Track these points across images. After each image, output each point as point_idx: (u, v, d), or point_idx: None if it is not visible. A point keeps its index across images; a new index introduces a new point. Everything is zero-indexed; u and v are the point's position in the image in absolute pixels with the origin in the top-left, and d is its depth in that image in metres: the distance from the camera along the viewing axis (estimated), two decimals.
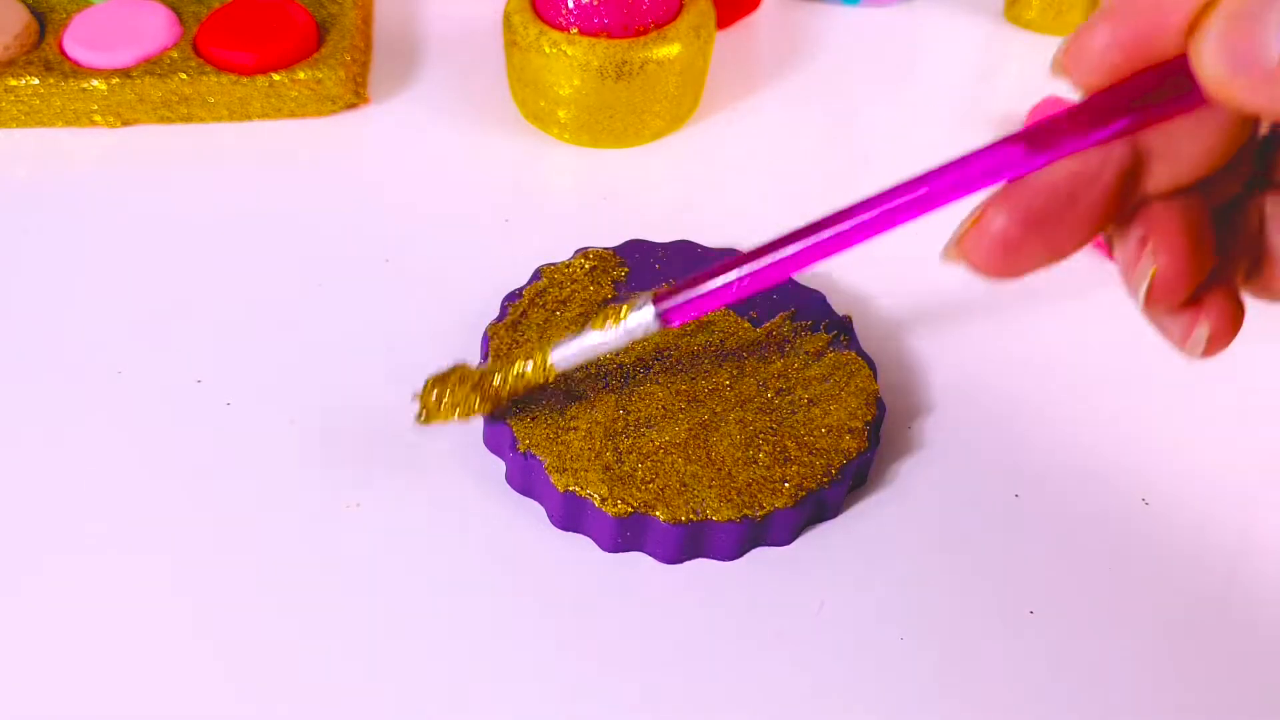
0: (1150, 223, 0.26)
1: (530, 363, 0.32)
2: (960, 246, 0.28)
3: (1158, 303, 0.27)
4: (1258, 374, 0.39)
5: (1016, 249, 0.27)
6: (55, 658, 0.30)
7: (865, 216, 0.29)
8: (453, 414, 0.33)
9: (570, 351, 0.32)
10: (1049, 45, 0.54)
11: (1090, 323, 0.40)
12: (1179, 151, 0.25)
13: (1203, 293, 0.27)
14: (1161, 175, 0.25)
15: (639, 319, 0.31)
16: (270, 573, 0.32)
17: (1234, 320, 0.28)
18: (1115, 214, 0.26)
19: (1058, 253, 0.27)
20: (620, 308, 0.31)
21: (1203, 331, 0.28)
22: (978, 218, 0.27)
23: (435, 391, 0.33)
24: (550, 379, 0.33)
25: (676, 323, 0.31)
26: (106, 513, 0.33)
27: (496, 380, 0.33)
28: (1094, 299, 0.41)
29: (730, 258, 0.29)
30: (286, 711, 0.29)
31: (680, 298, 0.30)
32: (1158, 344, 0.39)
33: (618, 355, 0.35)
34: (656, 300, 0.30)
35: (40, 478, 0.34)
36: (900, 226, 0.29)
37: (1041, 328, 0.40)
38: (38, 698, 0.29)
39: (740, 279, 0.29)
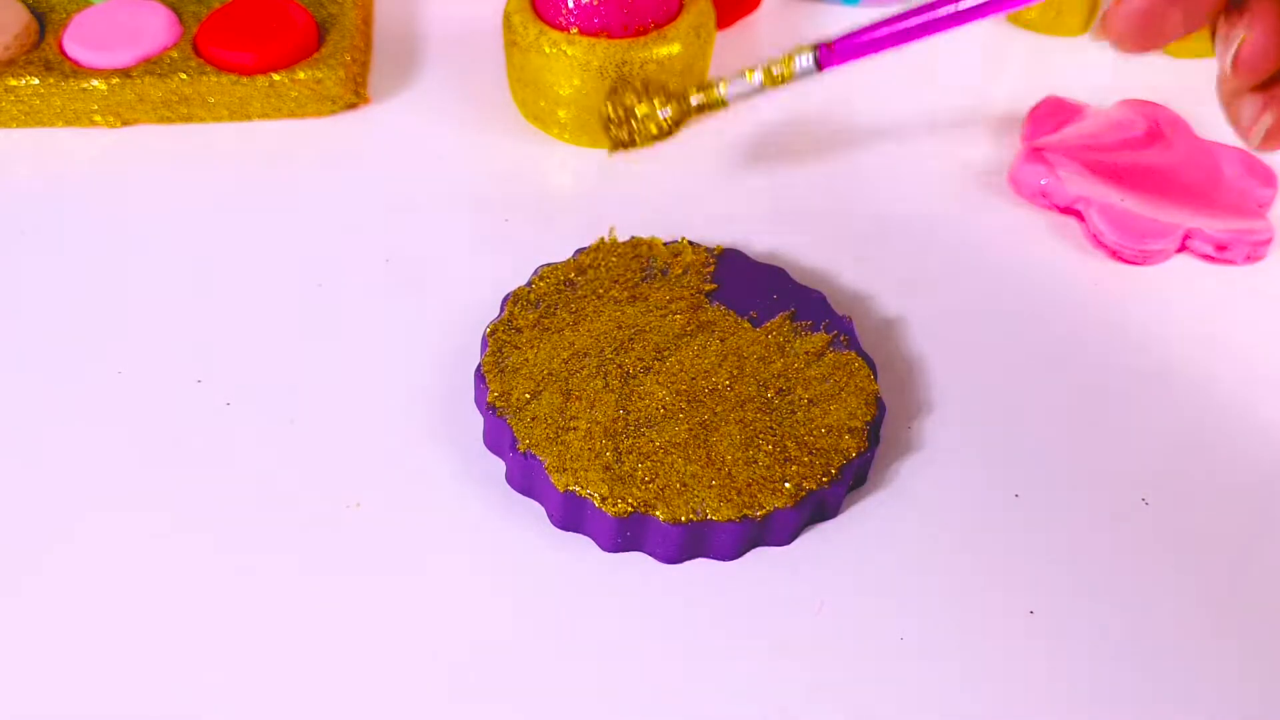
0: (1252, 2, 0.30)
1: (714, 91, 0.39)
2: (1106, 24, 0.31)
3: (1242, 71, 0.30)
4: (1258, 373, 0.39)
5: (1158, 20, 0.30)
6: (55, 657, 0.30)
7: None
8: (648, 122, 0.38)
9: (740, 88, 0.39)
10: (1049, 45, 0.54)
11: (1091, 323, 0.40)
12: None
13: (1277, 85, 0.31)
14: None
15: (801, 65, 0.38)
16: (270, 573, 0.32)
17: None
18: None
19: (1190, 23, 0.31)
20: (787, 57, 0.38)
21: (1268, 119, 0.31)
22: None
23: (623, 100, 0.38)
24: (721, 107, 0.39)
25: (829, 66, 0.37)
26: (106, 512, 0.33)
27: (691, 97, 0.38)
28: (1094, 299, 0.41)
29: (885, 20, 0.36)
30: (286, 711, 0.29)
31: (843, 44, 0.37)
32: (1158, 344, 0.40)
33: (617, 355, 0.35)
34: (819, 49, 0.37)
35: (40, 477, 0.34)
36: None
37: (1042, 328, 0.40)
38: (36, 697, 0.29)
39: (888, 35, 0.36)
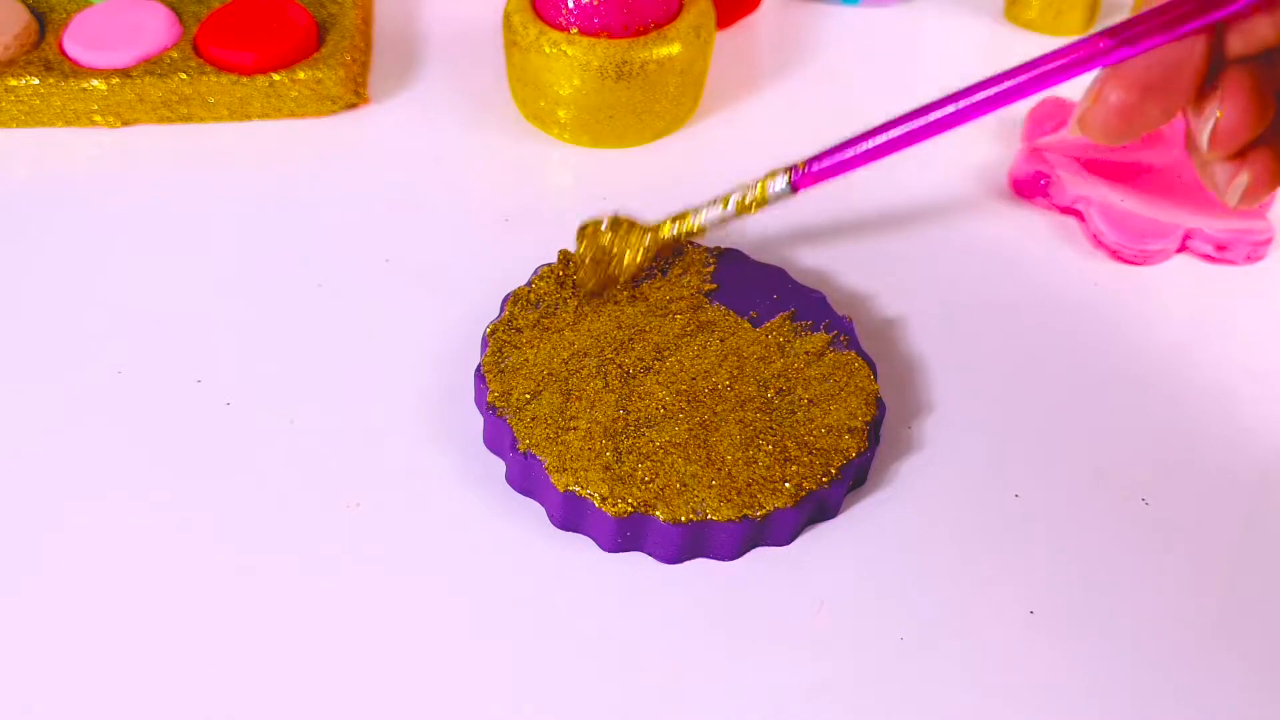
0: (1224, 80, 0.31)
1: (687, 220, 0.37)
2: (1083, 122, 0.33)
3: (1219, 146, 0.32)
4: (1259, 373, 0.39)
5: (1131, 115, 0.32)
6: (54, 656, 0.30)
7: (981, 96, 0.35)
8: (624, 253, 0.37)
9: (713, 216, 0.38)
10: (1049, 46, 0.54)
11: (1090, 323, 0.40)
12: (1253, 27, 0.31)
13: (1250, 150, 0.32)
14: (1236, 45, 0.31)
15: (775, 189, 0.37)
16: (270, 572, 0.32)
17: (1273, 175, 0.33)
18: (1206, 76, 0.32)
19: (1168, 113, 0.32)
20: (759, 183, 0.37)
21: (1243, 180, 0.33)
22: (1096, 94, 0.33)
23: (596, 235, 0.37)
24: (697, 235, 0.38)
25: (803, 187, 0.37)
26: (106, 512, 0.33)
27: (665, 229, 0.37)
28: (1094, 300, 0.41)
29: (856, 136, 0.36)
30: (286, 710, 0.29)
31: (817, 166, 0.37)
32: (1158, 344, 0.40)
33: (617, 355, 0.35)
34: (792, 172, 0.37)
35: (40, 477, 0.34)
36: (1006, 107, 0.35)
37: (1042, 327, 0.40)
38: (36, 696, 0.29)
39: (860, 154, 0.36)
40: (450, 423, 0.36)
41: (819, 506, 0.33)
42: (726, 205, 0.37)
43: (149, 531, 0.33)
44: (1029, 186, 0.44)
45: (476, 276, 0.40)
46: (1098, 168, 0.44)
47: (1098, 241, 0.43)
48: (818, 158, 0.37)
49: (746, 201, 0.37)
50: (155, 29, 0.47)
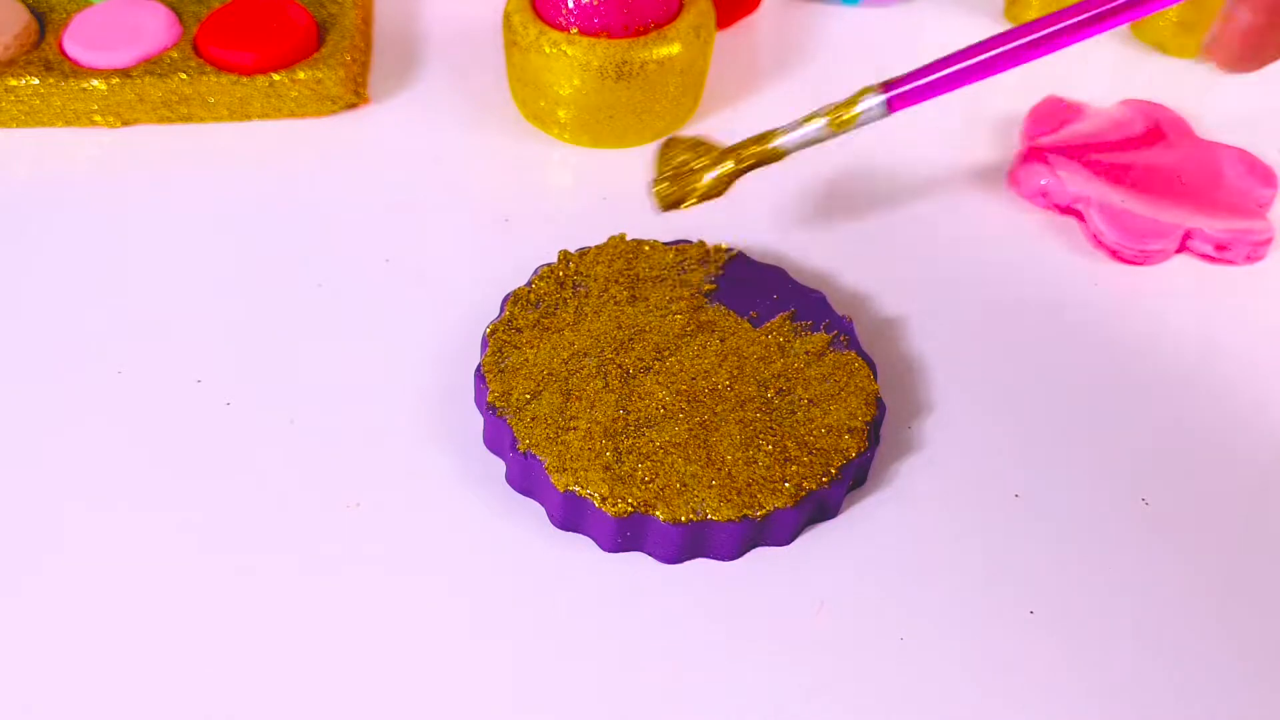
0: None
1: (770, 140, 0.37)
2: (1212, 49, 0.33)
3: None
4: (1259, 373, 0.39)
5: (1260, 39, 0.32)
6: (55, 656, 0.30)
7: (1075, 19, 0.35)
8: (705, 170, 0.37)
9: (796, 137, 0.37)
10: None
11: (1090, 323, 0.40)
12: None
13: None
14: None
15: (868, 107, 0.36)
16: (270, 573, 0.32)
17: None
18: None
19: None
20: (851, 101, 0.36)
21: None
22: (1226, 18, 0.32)
23: (679, 150, 0.37)
24: (777, 158, 0.37)
25: (899, 108, 0.36)
26: (106, 512, 0.33)
27: (746, 151, 0.37)
28: (1094, 299, 0.41)
29: (951, 55, 0.36)
30: (286, 710, 0.29)
31: (908, 85, 0.36)
32: (1158, 344, 0.40)
33: (617, 355, 0.35)
34: (886, 88, 0.36)
35: (40, 477, 0.34)
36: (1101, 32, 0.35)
37: (1041, 328, 0.40)
38: (36, 696, 0.29)
39: (957, 72, 0.36)
40: (450, 423, 0.36)
41: (819, 506, 0.33)
42: (812, 123, 0.37)
43: (149, 531, 0.33)
44: (1029, 187, 0.44)
45: (476, 276, 0.40)
46: (1098, 168, 0.44)
47: (1097, 241, 0.43)
48: (912, 75, 0.36)
49: (839, 121, 0.37)
50: (155, 29, 0.47)
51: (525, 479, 0.33)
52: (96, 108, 0.45)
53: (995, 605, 0.32)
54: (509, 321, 0.36)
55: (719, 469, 0.32)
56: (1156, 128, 0.46)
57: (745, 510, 0.32)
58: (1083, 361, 0.39)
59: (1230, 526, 0.34)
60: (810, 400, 0.34)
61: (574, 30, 0.43)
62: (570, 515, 0.33)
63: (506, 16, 0.45)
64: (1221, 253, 0.42)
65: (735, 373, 0.35)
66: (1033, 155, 0.45)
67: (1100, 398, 0.38)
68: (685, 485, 0.32)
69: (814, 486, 0.32)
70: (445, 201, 0.44)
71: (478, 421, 0.35)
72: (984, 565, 0.33)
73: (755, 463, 0.33)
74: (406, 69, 0.50)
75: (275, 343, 0.38)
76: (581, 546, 0.33)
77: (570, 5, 0.43)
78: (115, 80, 0.45)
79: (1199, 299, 0.41)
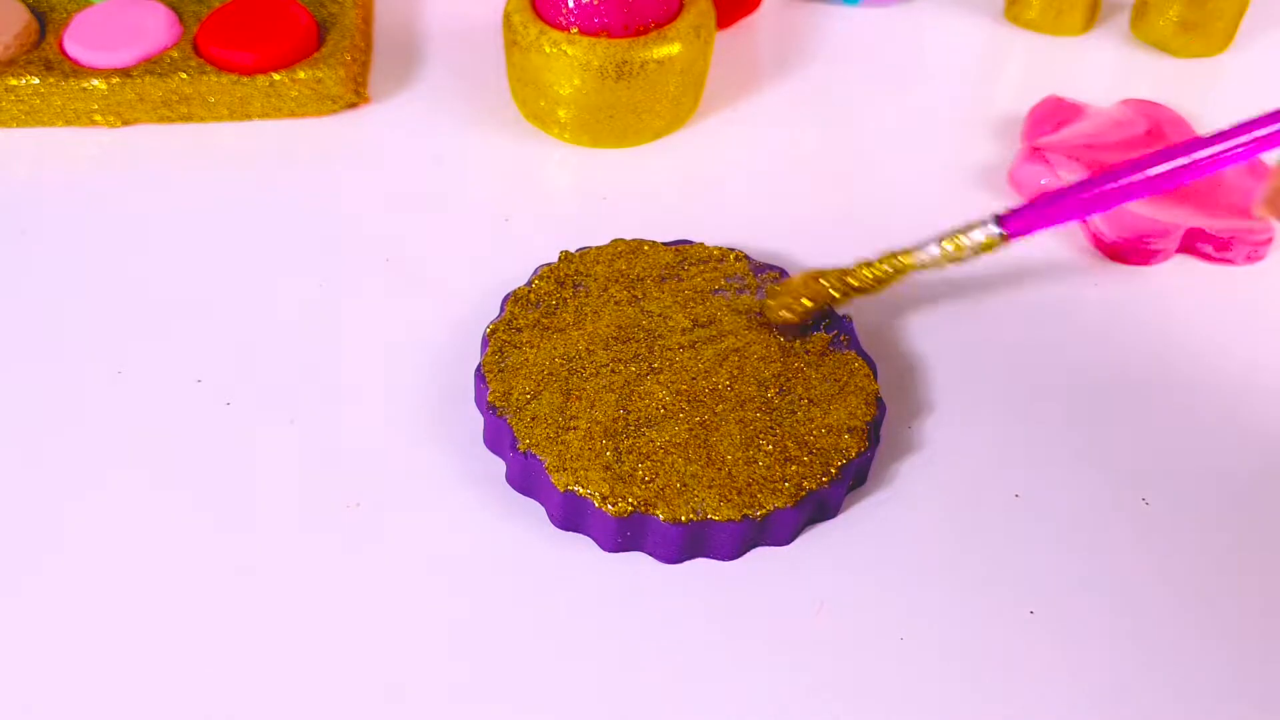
0: None
1: (886, 266, 0.37)
2: (1268, 202, 0.33)
3: None
4: (1259, 373, 0.39)
5: None
6: (55, 656, 0.30)
7: (1223, 147, 0.34)
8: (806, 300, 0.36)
9: (923, 258, 0.36)
10: (1049, 45, 0.54)
11: (1090, 323, 0.40)
12: None
13: None
14: None
15: (982, 235, 0.36)
16: (270, 572, 0.32)
17: None
18: None
19: None
20: (963, 232, 0.36)
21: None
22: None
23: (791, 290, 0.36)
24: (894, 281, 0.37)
25: (1015, 236, 0.36)
26: (107, 512, 0.33)
27: (859, 275, 0.36)
28: (1094, 300, 0.41)
29: (1072, 184, 0.35)
30: (286, 710, 0.29)
31: (1024, 216, 0.36)
32: (1158, 344, 0.40)
33: (618, 355, 0.35)
34: (1000, 222, 0.36)
35: (40, 476, 0.34)
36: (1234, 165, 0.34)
37: (1041, 328, 0.40)
38: (37, 696, 0.29)
39: (1080, 199, 0.35)
40: (450, 422, 0.36)
41: (819, 506, 0.33)
42: (933, 253, 0.37)
43: (149, 531, 0.33)
44: (1029, 186, 0.44)
45: (477, 276, 0.40)
46: (1098, 168, 0.44)
47: (1098, 241, 0.43)
48: (1024, 210, 0.36)
49: (955, 250, 0.36)
50: (155, 29, 0.47)
51: (525, 479, 0.33)
52: (97, 107, 0.45)
53: (995, 605, 0.32)
54: (509, 321, 0.36)
55: (719, 469, 0.32)
56: (1157, 128, 0.46)
57: (745, 510, 0.32)
58: (1083, 361, 0.39)
59: (1231, 526, 0.34)
60: (810, 400, 0.34)
61: (574, 30, 0.43)
62: (570, 515, 0.33)
63: (507, 16, 0.45)
64: (1222, 253, 0.42)
65: (735, 372, 0.35)
66: (1033, 155, 0.45)
67: (1100, 398, 0.38)
68: (685, 485, 0.32)
69: (814, 486, 0.32)
70: (445, 201, 0.44)
71: (478, 421, 0.35)
72: (984, 565, 0.33)
73: (755, 462, 0.33)
74: (407, 69, 0.50)
75: (276, 342, 0.38)
76: (582, 546, 0.33)
77: (570, 5, 0.43)
78: (115, 80, 0.45)
79: (1199, 299, 0.41)
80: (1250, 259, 0.42)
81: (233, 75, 0.45)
